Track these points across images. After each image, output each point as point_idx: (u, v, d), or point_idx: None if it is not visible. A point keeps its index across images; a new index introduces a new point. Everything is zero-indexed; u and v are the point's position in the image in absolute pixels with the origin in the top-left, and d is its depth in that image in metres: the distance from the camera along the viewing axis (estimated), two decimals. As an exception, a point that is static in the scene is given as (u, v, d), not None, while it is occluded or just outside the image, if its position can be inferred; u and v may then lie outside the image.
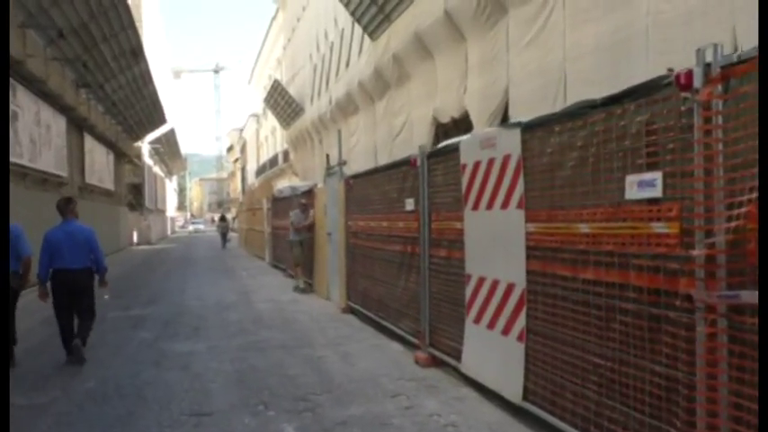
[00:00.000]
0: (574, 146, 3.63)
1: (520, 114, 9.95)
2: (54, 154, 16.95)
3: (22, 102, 13.95)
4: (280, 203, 17.55)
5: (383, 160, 16.50)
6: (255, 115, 61.51)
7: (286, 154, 39.83)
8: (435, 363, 5.83)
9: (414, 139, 16.34)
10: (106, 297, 7.21)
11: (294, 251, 12.44)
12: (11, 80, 13.06)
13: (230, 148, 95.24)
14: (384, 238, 7.42)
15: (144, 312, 9.77)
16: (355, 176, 8.97)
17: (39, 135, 15.30)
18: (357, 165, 17.45)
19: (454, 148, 5.41)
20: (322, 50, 26.64)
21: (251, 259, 22.16)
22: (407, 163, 6.50)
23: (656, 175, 2.94)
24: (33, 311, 8.21)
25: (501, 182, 4.47)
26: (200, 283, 14.09)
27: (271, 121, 49.46)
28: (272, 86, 32.43)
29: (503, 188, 4.45)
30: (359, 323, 8.37)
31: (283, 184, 21.49)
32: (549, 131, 3.91)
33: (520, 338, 4.26)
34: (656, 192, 2.94)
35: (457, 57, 13.31)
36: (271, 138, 51.86)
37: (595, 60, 8.23)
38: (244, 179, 49.06)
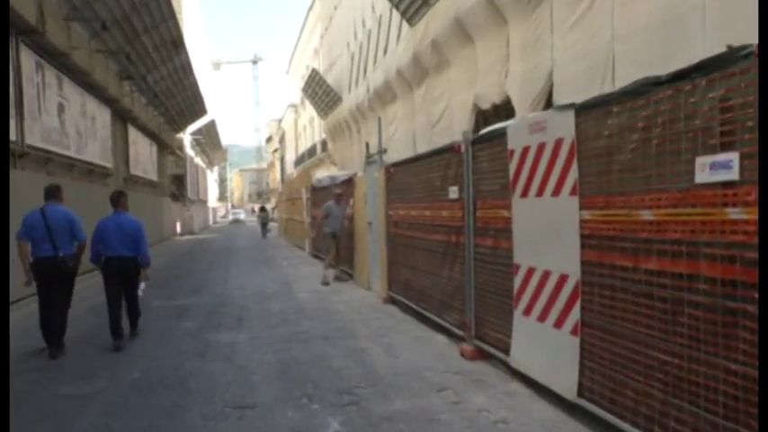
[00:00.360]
0: (635, 127, 3.38)
1: (565, 98, 9.60)
2: (99, 145, 17.31)
3: (69, 94, 14.23)
4: (319, 193, 17.51)
5: (422, 148, 16.29)
6: (293, 105, 61.80)
7: (324, 143, 39.90)
8: (482, 356, 5.65)
9: (454, 127, 16.10)
10: (143, 286, 7.44)
11: (326, 242, 12.37)
12: (57, 72, 13.34)
13: (269, 139, 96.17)
14: (426, 227, 7.26)
15: (187, 302, 9.85)
16: (396, 165, 8.81)
17: (84, 127, 15.62)
18: (396, 153, 17.27)
19: (501, 134, 5.20)
20: (359, 38, 26.48)
21: (291, 249, 22.28)
22: (451, 150, 6.31)
23: (732, 156, 2.69)
24: (84, 298, 8.43)
25: (552, 167, 4.25)
26: (242, 273, 14.20)
27: (309, 111, 49.63)
28: (310, 76, 32.44)
29: (554, 174, 4.23)
30: (401, 314, 8.24)
31: (322, 174, 21.49)
32: (607, 112, 3.66)
33: (574, 332, 4.04)
34: (732, 174, 2.69)
35: (498, 41, 12.97)
36: (309, 128, 52.07)
37: (646, 40, 7.84)
38: (283, 169, 49.42)
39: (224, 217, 77.44)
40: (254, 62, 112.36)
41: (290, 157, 60.06)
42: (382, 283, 9.47)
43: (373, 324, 7.62)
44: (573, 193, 4.01)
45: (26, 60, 11.30)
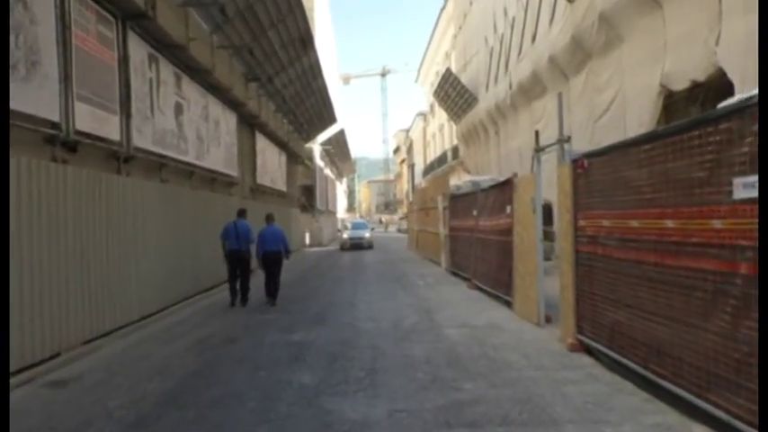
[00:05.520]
0: None
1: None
2: (223, 152, 16.10)
3: (188, 93, 12.94)
4: (459, 201, 15.11)
5: (580, 147, 13.40)
6: (422, 114, 60.28)
7: (455, 151, 37.61)
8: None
9: (627, 117, 13.09)
10: (287, 260, 11.34)
11: None
12: (175, 68, 12.08)
13: (397, 150, 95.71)
14: (665, 246, 4.54)
15: (308, 338, 7.80)
16: (595, 154, 6.14)
17: (207, 131, 14.39)
18: (545, 153, 14.47)
19: None
20: (500, 30, 23.80)
21: (424, 264, 20.01)
22: (742, 112, 3.58)
23: None
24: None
25: None
26: (372, 295, 12.07)
27: (438, 118, 47.66)
28: (443, 77, 30.19)
29: None
30: (607, 374, 5.54)
31: (463, 180, 19.09)
32: None
33: None
34: None
35: (703, -2, 9.85)
36: (438, 135, 50.14)
37: None
38: (412, 178, 47.62)
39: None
40: (383, 75, 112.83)
41: (419, 168, 58.41)
42: (566, 321, 6.80)
43: (572, 393, 4.99)
44: None
45: (135, 50, 9.94)
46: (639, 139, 5.13)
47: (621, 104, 13.48)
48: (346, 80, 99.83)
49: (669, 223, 4.47)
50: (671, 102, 12.04)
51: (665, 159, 4.52)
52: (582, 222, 6.36)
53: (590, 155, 6.22)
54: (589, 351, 6.23)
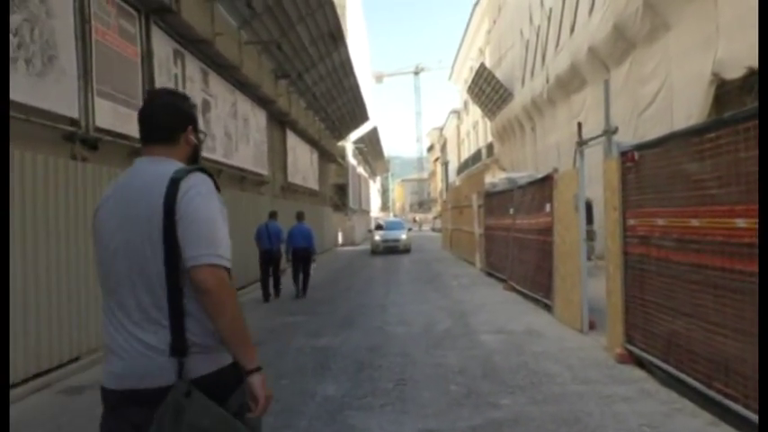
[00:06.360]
0: None
1: None
2: (253, 150, 15.84)
3: (216, 90, 12.69)
4: (494, 199, 14.55)
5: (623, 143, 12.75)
6: (456, 111, 59.54)
7: (490, 148, 36.85)
8: None
9: (674, 109, 12.36)
10: (314, 265, 12.26)
11: None
12: (202, 65, 11.84)
13: (430, 148, 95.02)
14: (736, 248, 3.97)
15: (335, 342, 7.40)
16: (647, 146, 5.56)
17: (235, 128, 14.14)
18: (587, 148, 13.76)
19: None
20: (536, 22, 23.07)
21: (458, 264, 19.47)
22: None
23: None
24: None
25: None
26: (404, 297, 11.62)
27: (472, 115, 46.92)
28: (477, 72, 29.51)
29: None
30: (662, 390, 4.97)
31: (490, 179, 18.52)
32: None
33: None
34: None
35: (761, -23, 9.07)
36: (472, 133, 49.39)
37: None
38: (446, 177, 46.93)
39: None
40: (416, 73, 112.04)
41: (453, 166, 57.73)
42: (613, 329, 6.24)
43: (625, 412, 4.45)
44: None
45: (160, 46, 9.69)
46: (703, 126, 4.55)
47: (668, 96, 12.74)
48: (379, 79, 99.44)
49: (741, 222, 3.90)
50: (722, 92, 11.27)
51: (736, 149, 3.95)
52: (632, 221, 5.79)
53: (641, 146, 5.64)
54: (640, 363, 5.66)
